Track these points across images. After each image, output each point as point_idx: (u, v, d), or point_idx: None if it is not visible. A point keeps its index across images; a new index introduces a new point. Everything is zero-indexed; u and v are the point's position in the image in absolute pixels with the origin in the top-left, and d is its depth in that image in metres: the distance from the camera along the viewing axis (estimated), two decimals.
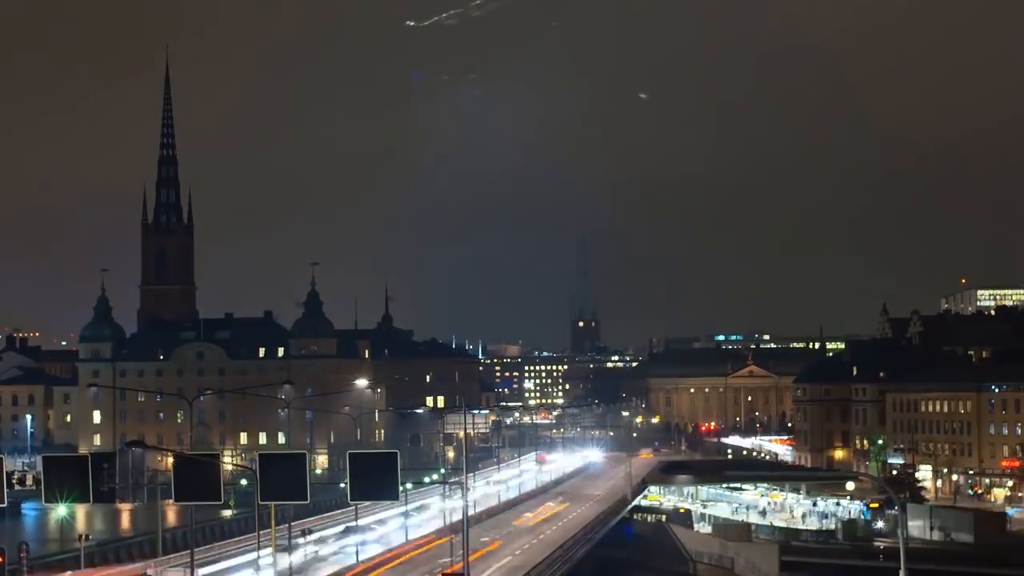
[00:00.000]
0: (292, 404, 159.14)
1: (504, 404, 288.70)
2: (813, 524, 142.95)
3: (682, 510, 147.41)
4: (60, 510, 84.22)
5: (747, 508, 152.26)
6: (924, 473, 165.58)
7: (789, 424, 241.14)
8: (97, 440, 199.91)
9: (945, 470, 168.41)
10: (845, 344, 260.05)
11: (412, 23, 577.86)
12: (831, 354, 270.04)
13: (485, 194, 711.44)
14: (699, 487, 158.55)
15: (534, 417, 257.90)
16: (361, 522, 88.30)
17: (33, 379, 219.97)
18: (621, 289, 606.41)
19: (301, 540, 76.07)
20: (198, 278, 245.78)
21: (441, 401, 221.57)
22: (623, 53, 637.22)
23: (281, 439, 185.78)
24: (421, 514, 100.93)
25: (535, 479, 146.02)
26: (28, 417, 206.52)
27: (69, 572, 68.08)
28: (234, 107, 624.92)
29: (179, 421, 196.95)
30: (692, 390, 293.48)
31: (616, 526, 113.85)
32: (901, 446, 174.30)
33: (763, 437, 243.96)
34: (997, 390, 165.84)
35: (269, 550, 65.68)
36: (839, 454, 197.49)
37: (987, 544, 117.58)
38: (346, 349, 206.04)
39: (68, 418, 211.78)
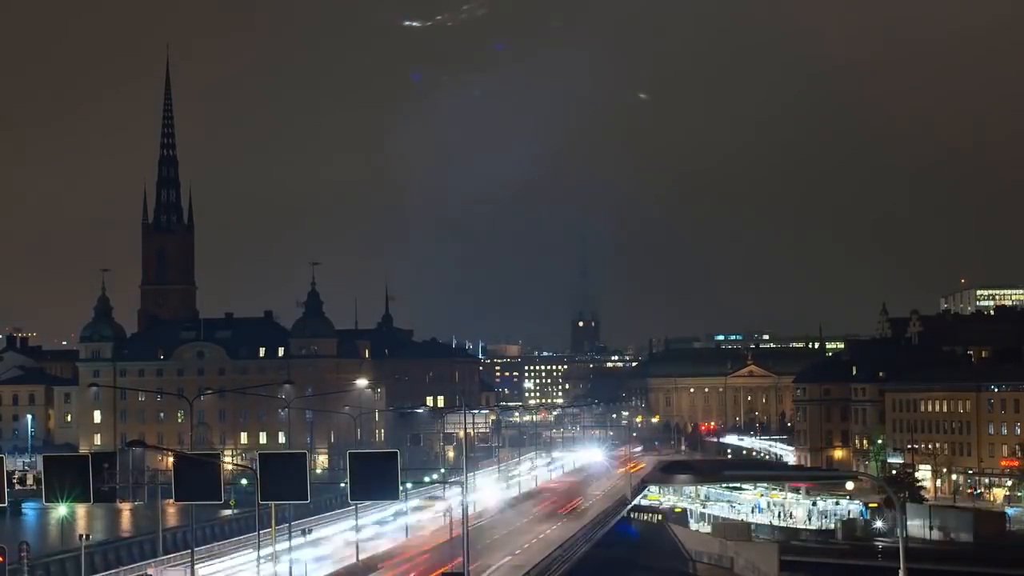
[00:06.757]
0: (292, 404, 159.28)
1: (504, 404, 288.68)
2: (813, 524, 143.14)
3: (678, 509, 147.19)
4: (61, 510, 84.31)
5: (753, 510, 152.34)
6: (923, 473, 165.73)
7: (789, 424, 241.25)
8: (97, 440, 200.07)
9: (944, 470, 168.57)
10: (845, 344, 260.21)
11: (412, 23, 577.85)
12: (831, 354, 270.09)
13: (485, 194, 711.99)
14: (699, 487, 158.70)
15: (534, 417, 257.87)
16: None
17: (34, 379, 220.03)
18: (621, 289, 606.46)
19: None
20: (198, 278, 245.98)
21: (441, 401, 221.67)
22: (624, 53, 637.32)
23: (281, 439, 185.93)
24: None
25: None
26: (29, 417, 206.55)
27: None
28: (234, 107, 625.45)
29: (179, 421, 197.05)
30: (692, 390, 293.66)
31: (616, 525, 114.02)
32: (901, 446, 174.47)
33: (763, 437, 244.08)
34: (996, 390, 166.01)
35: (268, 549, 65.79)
36: (839, 454, 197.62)
37: (986, 544, 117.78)
38: (346, 349, 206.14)
39: (68, 418, 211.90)
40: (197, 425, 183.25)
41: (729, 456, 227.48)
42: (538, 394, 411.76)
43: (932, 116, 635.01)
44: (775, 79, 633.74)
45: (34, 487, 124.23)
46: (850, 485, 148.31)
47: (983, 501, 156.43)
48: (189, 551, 68.19)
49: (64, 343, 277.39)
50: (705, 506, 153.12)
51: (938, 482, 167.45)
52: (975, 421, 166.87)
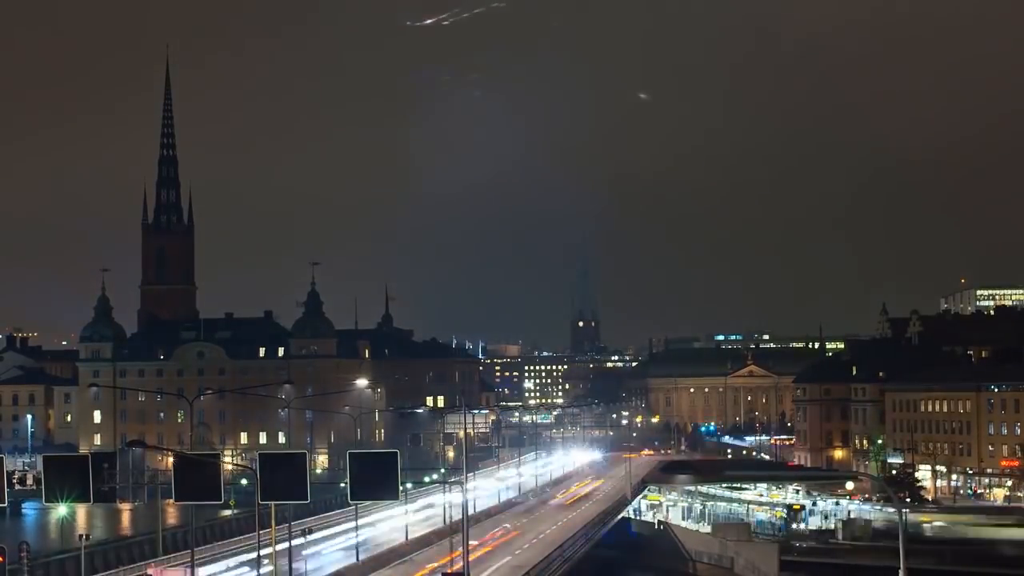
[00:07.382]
0: (292, 404, 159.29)
1: (504, 404, 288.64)
2: (813, 524, 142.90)
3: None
4: (60, 510, 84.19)
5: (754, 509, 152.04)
6: (923, 473, 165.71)
7: (789, 424, 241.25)
8: (97, 440, 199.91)
9: (944, 470, 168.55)
10: (845, 344, 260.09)
11: (412, 23, 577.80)
12: (831, 354, 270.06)
13: (485, 194, 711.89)
14: (699, 487, 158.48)
15: (534, 417, 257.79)
16: None
17: (34, 379, 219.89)
18: (621, 289, 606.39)
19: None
20: (198, 278, 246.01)
21: (441, 401, 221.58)
22: (624, 53, 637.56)
23: (281, 439, 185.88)
24: None
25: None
26: (28, 417, 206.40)
27: None
28: (234, 107, 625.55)
29: (179, 421, 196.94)
30: (692, 390, 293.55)
31: (616, 526, 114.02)
32: (901, 446, 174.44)
33: (763, 437, 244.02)
34: (996, 390, 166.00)
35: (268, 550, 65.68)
36: (839, 454, 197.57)
37: (986, 543, 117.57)
38: (346, 349, 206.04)
39: (68, 418, 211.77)
40: (197, 425, 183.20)
41: (729, 456, 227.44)
42: (538, 394, 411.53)
43: (932, 116, 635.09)
44: (775, 79, 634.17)
45: (34, 487, 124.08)
46: (850, 485, 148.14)
47: (983, 501, 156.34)
48: (189, 551, 68.15)
49: (64, 343, 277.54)
50: (705, 506, 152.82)
51: (938, 482, 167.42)
52: (975, 421, 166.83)
